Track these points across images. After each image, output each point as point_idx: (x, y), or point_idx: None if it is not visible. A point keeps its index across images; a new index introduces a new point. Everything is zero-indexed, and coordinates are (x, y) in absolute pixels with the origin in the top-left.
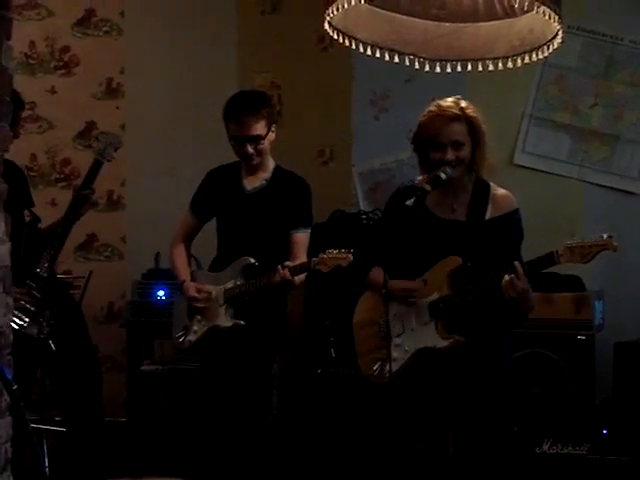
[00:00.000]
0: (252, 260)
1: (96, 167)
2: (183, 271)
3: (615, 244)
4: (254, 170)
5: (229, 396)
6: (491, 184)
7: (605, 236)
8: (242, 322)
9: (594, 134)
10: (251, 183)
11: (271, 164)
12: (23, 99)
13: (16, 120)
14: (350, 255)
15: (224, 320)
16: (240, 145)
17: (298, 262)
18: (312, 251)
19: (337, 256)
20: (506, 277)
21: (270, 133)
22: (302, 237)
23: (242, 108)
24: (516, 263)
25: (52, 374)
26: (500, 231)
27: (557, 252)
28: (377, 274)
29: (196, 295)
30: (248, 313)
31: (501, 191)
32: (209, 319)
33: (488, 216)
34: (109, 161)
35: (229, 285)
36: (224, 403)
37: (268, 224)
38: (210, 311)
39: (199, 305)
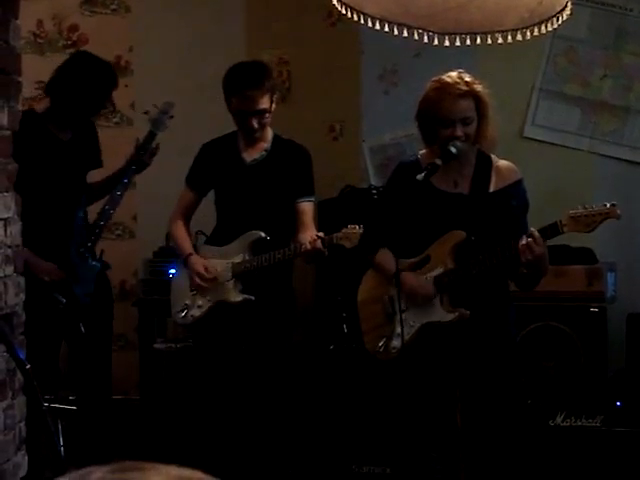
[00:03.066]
0: (263, 234)
1: (149, 139)
2: (187, 245)
3: (618, 212)
4: (253, 141)
5: (245, 374)
6: (492, 156)
7: (609, 205)
8: (252, 297)
9: (604, 106)
10: (250, 154)
11: (269, 134)
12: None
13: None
14: None
15: (233, 295)
16: (244, 119)
17: (321, 234)
18: (323, 227)
19: (361, 232)
20: (523, 241)
21: (272, 105)
22: (308, 206)
23: (246, 82)
24: (533, 229)
25: (74, 351)
26: (504, 203)
27: (561, 222)
28: (384, 257)
29: (203, 272)
30: (257, 288)
31: (503, 162)
32: (216, 293)
33: (492, 188)
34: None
35: (237, 259)
36: (238, 382)
37: (271, 195)
38: (217, 286)
39: (203, 284)
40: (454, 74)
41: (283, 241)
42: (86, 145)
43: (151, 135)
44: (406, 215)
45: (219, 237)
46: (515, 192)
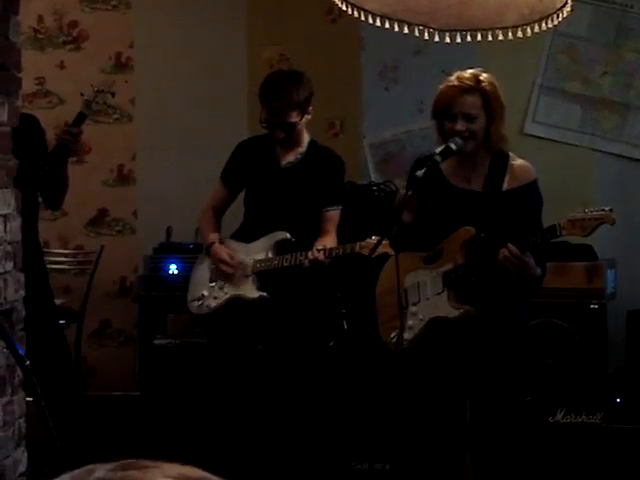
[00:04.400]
0: (288, 235)
1: (78, 121)
2: (212, 235)
3: (614, 217)
4: (291, 145)
5: (255, 371)
6: (510, 154)
7: (607, 209)
8: (267, 295)
9: (604, 103)
10: (286, 157)
11: (306, 138)
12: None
13: None
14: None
15: (250, 291)
16: (271, 129)
17: (331, 244)
18: None
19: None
20: (500, 255)
21: (305, 116)
22: (334, 215)
23: (276, 95)
24: (509, 244)
25: None
26: (517, 202)
27: (559, 225)
28: None
29: (228, 259)
30: (275, 287)
31: (519, 161)
32: (233, 287)
33: (505, 187)
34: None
35: (260, 256)
36: (246, 378)
37: (301, 199)
38: (236, 279)
39: (228, 270)
40: (471, 70)
41: (307, 245)
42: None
43: (80, 117)
44: (422, 209)
45: (245, 234)
46: (529, 192)
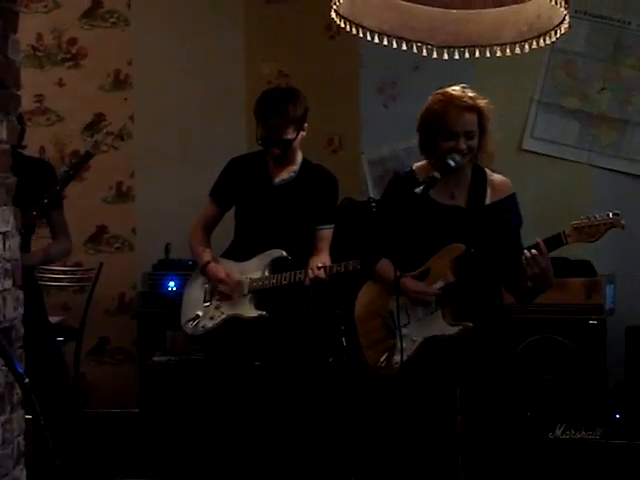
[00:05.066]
0: (284, 253)
1: (85, 160)
2: (206, 253)
3: (623, 222)
4: (284, 163)
5: (254, 389)
6: (486, 170)
7: (611, 214)
8: (266, 314)
9: (603, 119)
10: (279, 175)
11: (299, 157)
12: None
13: None
14: None
15: (248, 310)
16: (267, 146)
17: (326, 263)
18: None
19: None
20: (528, 253)
21: (301, 133)
22: (327, 233)
23: (272, 111)
24: (539, 240)
25: None
26: (499, 216)
27: (564, 232)
28: (384, 266)
29: (225, 278)
30: (272, 305)
31: (497, 176)
32: (230, 307)
33: (488, 201)
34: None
35: (256, 275)
36: (246, 395)
37: (294, 217)
38: (232, 299)
39: (226, 290)
40: (458, 87)
41: (300, 263)
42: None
43: (87, 155)
44: (404, 227)
45: (236, 252)
46: (508, 206)
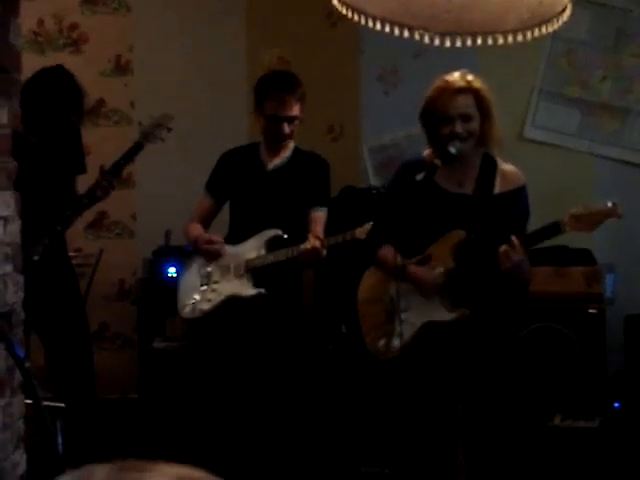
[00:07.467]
0: (280, 232)
1: (134, 150)
2: (196, 229)
3: (620, 211)
4: (277, 150)
5: (254, 370)
6: (498, 159)
7: (610, 203)
8: (264, 291)
9: (604, 107)
10: (272, 162)
11: (291, 144)
12: (80, 85)
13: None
14: None
15: (246, 289)
16: (276, 124)
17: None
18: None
19: None
20: (502, 248)
21: (301, 114)
22: (321, 215)
23: (283, 87)
24: (512, 236)
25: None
26: (508, 206)
27: (562, 221)
28: (388, 252)
29: (211, 238)
30: (268, 283)
31: (509, 166)
32: (228, 287)
33: (497, 191)
34: (161, 140)
35: (252, 255)
36: (245, 378)
37: (288, 201)
38: (228, 280)
39: (216, 249)
40: (457, 73)
41: (295, 244)
42: (62, 149)
43: (137, 146)
44: (409, 214)
45: (232, 240)
46: (518, 197)
